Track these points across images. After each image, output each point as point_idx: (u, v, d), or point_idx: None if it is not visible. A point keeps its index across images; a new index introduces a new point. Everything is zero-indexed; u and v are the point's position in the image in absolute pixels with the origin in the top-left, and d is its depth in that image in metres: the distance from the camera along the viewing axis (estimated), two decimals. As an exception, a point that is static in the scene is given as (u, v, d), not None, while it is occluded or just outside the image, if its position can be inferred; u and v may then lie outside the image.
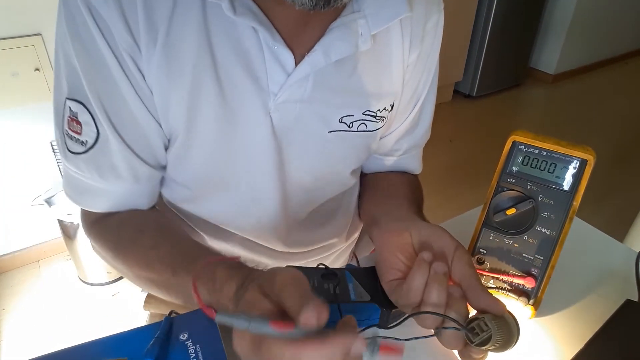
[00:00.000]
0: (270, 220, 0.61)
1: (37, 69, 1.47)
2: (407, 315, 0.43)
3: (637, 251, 0.59)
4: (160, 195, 0.63)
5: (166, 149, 0.54)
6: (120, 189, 0.53)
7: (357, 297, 0.46)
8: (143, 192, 0.56)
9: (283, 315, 0.32)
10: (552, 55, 3.43)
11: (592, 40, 3.50)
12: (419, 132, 0.66)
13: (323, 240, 0.70)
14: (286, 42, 0.48)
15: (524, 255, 0.50)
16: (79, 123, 0.49)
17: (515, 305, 0.50)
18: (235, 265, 0.42)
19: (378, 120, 0.58)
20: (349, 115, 0.56)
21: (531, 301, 0.50)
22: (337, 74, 0.52)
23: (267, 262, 0.67)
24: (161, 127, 0.51)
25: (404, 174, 0.71)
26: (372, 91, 0.55)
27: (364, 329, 0.47)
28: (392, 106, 0.59)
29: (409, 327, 0.44)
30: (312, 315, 0.30)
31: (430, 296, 0.41)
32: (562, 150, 0.48)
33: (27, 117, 1.55)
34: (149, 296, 0.73)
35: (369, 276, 0.49)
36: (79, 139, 0.50)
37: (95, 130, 0.49)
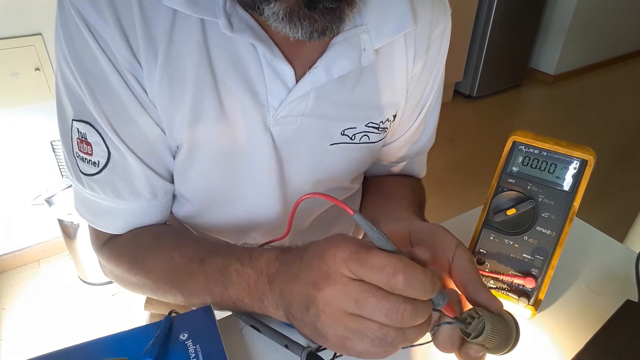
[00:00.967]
0: (272, 230, 0.61)
1: (37, 69, 1.47)
2: None
3: (637, 251, 0.59)
4: (172, 212, 0.62)
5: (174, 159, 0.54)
6: (137, 207, 0.53)
7: None
8: (159, 208, 0.55)
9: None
10: (552, 55, 3.43)
11: (592, 41, 3.50)
12: (424, 139, 0.66)
13: None
14: (286, 57, 0.47)
15: (524, 255, 0.50)
16: (88, 144, 0.48)
17: (516, 307, 0.50)
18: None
19: (381, 132, 0.58)
20: (351, 128, 0.55)
21: (531, 301, 0.50)
22: (339, 88, 0.52)
23: None
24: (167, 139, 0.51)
25: (406, 176, 0.71)
26: (375, 104, 0.55)
27: None
28: (394, 117, 0.58)
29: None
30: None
31: None
32: (562, 150, 0.48)
33: (27, 117, 1.55)
34: (149, 296, 0.73)
35: None
36: (90, 160, 0.49)
37: (106, 149, 0.48)
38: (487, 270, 0.52)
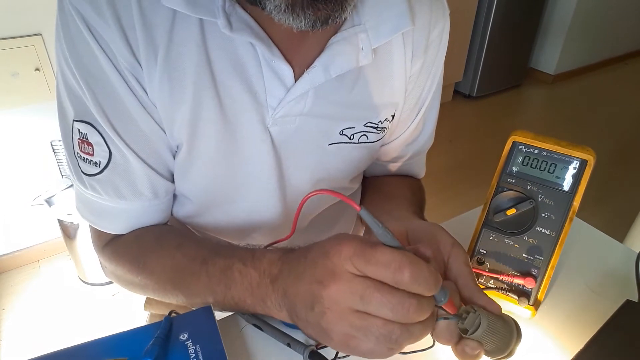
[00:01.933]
0: (273, 230, 0.61)
1: (37, 69, 1.47)
2: None
3: (637, 251, 0.59)
4: (172, 212, 0.62)
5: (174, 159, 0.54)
6: (139, 207, 0.53)
7: None
8: (161, 208, 0.55)
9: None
10: (552, 55, 3.43)
11: (592, 41, 3.50)
12: (422, 139, 0.66)
13: None
14: (285, 56, 0.47)
15: (524, 255, 0.50)
16: (89, 144, 0.49)
17: (515, 307, 0.50)
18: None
19: (379, 131, 0.58)
20: (350, 128, 0.55)
21: (531, 301, 0.50)
22: (337, 88, 0.52)
23: None
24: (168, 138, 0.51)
25: (405, 176, 0.70)
26: (374, 103, 0.55)
27: None
28: (393, 116, 0.58)
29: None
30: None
31: None
32: (562, 150, 0.48)
33: (27, 117, 1.55)
34: (149, 296, 0.73)
35: None
36: (92, 160, 0.49)
37: (107, 149, 0.48)
38: (487, 270, 0.52)
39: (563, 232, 0.48)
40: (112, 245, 0.56)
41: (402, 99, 0.58)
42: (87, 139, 0.48)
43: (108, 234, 0.56)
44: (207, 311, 0.47)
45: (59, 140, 1.62)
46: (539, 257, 0.50)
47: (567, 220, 0.48)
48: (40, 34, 1.46)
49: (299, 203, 0.42)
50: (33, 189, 1.62)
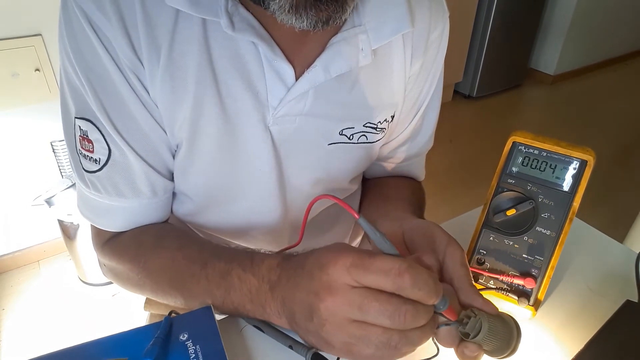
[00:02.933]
0: (272, 229, 0.61)
1: (37, 69, 1.47)
2: None
3: (637, 252, 0.59)
4: (172, 211, 0.63)
5: (174, 158, 0.54)
6: (138, 205, 0.53)
7: None
8: (160, 206, 0.56)
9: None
10: (552, 55, 3.43)
11: (592, 41, 3.50)
12: (422, 140, 0.66)
13: None
14: (286, 56, 0.48)
15: (523, 255, 0.50)
16: (90, 141, 0.49)
17: (515, 307, 0.50)
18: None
19: (379, 132, 0.58)
20: (350, 128, 0.56)
21: (531, 302, 0.50)
22: (337, 88, 0.52)
23: None
24: (168, 138, 0.51)
25: (405, 178, 0.70)
26: (373, 104, 0.55)
27: None
28: (392, 117, 0.58)
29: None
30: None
31: None
32: (562, 151, 0.48)
33: (27, 117, 1.55)
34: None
35: None
36: (92, 157, 0.50)
37: (106, 147, 0.49)
38: (486, 270, 0.52)
39: (563, 232, 0.48)
40: (111, 244, 0.56)
41: (401, 99, 0.58)
42: (87, 136, 0.49)
43: (107, 232, 0.56)
44: (207, 311, 0.47)
45: (59, 141, 1.62)
46: (539, 257, 0.50)
47: (567, 221, 0.48)
48: (40, 35, 1.46)
49: (305, 211, 0.43)
50: (33, 189, 1.62)
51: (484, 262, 0.52)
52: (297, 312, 0.39)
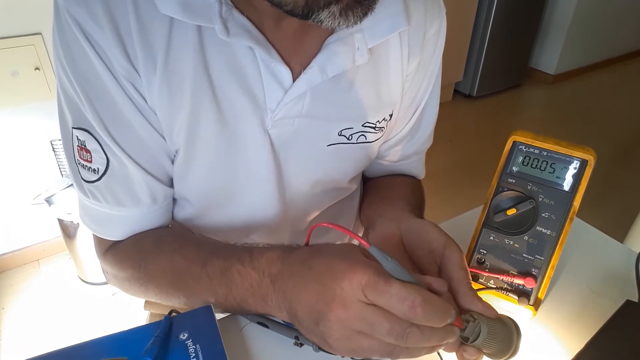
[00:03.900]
0: (273, 231, 0.61)
1: (37, 68, 1.47)
2: None
3: (637, 251, 0.59)
4: (173, 215, 0.63)
5: (173, 164, 0.54)
6: (138, 213, 0.53)
7: None
8: (160, 213, 0.56)
9: None
10: (552, 55, 3.43)
11: (592, 41, 3.50)
12: (421, 138, 0.66)
13: None
14: (283, 58, 0.48)
15: (524, 255, 0.50)
16: (88, 151, 0.49)
17: (516, 307, 0.50)
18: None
19: (377, 131, 0.58)
20: (348, 128, 0.55)
21: (531, 301, 0.50)
22: (335, 88, 0.52)
23: None
24: (166, 144, 0.51)
25: (405, 176, 0.70)
26: (371, 103, 0.55)
27: None
28: (390, 116, 0.58)
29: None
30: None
31: None
32: (562, 150, 0.48)
33: (27, 116, 1.55)
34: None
35: None
36: (90, 167, 0.49)
37: (104, 156, 0.48)
38: (487, 270, 0.52)
39: (563, 232, 0.48)
40: (112, 251, 0.56)
41: (399, 98, 0.58)
42: (85, 146, 0.48)
43: (109, 241, 0.56)
44: (207, 311, 0.47)
45: (59, 140, 1.62)
46: (539, 257, 0.50)
47: (567, 220, 0.48)
48: (40, 33, 1.46)
49: (307, 233, 0.44)
50: (33, 189, 1.62)
51: (484, 262, 0.52)
52: (302, 312, 0.39)
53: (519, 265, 0.50)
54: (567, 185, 0.48)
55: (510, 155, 0.51)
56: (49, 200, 1.54)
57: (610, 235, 0.64)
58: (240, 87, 0.48)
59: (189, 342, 0.44)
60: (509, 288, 0.51)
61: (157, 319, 0.47)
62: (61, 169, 1.67)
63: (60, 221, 1.58)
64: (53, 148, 1.63)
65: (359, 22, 0.39)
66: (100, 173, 0.49)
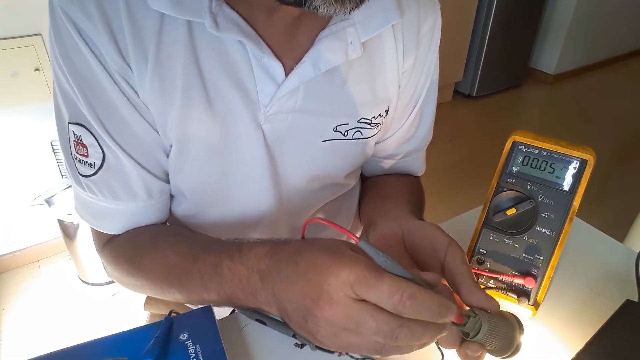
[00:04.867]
0: (271, 227, 0.61)
1: (37, 69, 1.47)
2: None
3: (637, 251, 0.59)
4: (170, 212, 0.63)
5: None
6: (134, 208, 0.53)
7: None
8: (157, 208, 0.56)
9: None
10: (552, 55, 3.43)
11: (592, 40, 3.50)
12: (420, 135, 0.66)
13: None
14: (275, 53, 0.48)
15: (524, 255, 0.50)
16: (84, 146, 0.49)
17: (515, 307, 0.50)
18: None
19: (373, 127, 0.58)
20: (344, 124, 0.55)
21: (531, 301, 0.50)
22: (328, 83, 0.52)
23: None
24: (161, 139, 0.52)
25: (404, 175, 0.70)
26: (366, 99, 0.55)
27: None
28: (386, 112, 0.58)
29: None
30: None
31: None
32: (562, 150, 0.48)
33: (27, 117, 1.55)
34: (149, 296, 0.73)
35: None
36: (86, 162, 0.50)
37: (100, 151, 0.49)
38: (486, 270, 0.52)
39: (563, 232, 0.48)
40: (110, 246, 0.56)
41: (395, 95, 0.58)
42: (81, 140, 0.49)
43: (106, 234, 0.56)
44: (207, 311, 0.47)
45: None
46: (539, 257, 0.50)
47: (567, 220, 0.48)
48: (40, 34, 1.46)
49: (302, 228, 0.44)
50: (33, 189, 1.62)
51: (484, 262, 0.52)
52: (290, 309, 0.39)
53: (519, 265, 0.50)
54: (566, 185, 0.48)
55: (510, 155, 0.51)
56: (49, 201, 1.54)
57: (610, 235, 0.64)
58: (231, 82, 0.48)
59: (189, 343, 0.44)
60: (509, 288, 0.51)
61: (157, 320, 0.47)
62: (61, 170, 1.67)
63: (60, 222, 1.58)
64: (53, 149, 1.63)
65: (355, 10, 0.39)
66: (97, 167, 0.50)
